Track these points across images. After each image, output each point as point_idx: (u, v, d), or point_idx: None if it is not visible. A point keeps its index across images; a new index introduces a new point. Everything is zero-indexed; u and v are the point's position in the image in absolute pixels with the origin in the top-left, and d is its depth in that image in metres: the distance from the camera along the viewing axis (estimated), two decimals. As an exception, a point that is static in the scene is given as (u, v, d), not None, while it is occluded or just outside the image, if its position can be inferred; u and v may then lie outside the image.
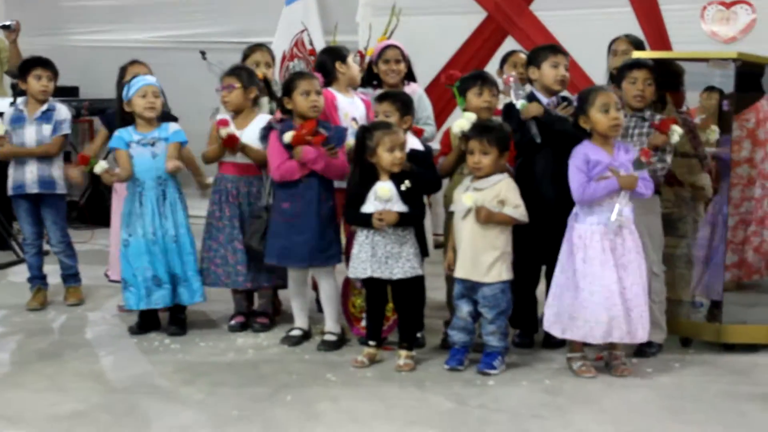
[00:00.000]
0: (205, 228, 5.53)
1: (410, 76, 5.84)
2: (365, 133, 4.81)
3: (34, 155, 6.00)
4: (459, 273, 4.75)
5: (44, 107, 6.04)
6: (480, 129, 4.77)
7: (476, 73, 5.28)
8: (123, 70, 5.92)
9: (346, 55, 5.60)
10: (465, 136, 4.85)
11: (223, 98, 5.50)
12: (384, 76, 5.74)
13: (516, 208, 4.67)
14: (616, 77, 5.14)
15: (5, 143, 5.96)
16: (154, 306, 5.38)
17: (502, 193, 4.69)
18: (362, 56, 7.88)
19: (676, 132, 4.77)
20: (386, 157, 4.72)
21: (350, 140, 5.14)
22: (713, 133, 5.23)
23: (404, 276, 4.77)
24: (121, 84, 5.60)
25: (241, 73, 5.48)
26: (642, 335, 4.63)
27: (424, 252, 4.98)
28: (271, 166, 5.17)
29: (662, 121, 4.80)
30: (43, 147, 6.01)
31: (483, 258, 4.68)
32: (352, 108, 5.50)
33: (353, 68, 5.63)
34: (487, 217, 4.65)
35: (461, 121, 4.95)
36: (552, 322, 4.75)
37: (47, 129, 6.04)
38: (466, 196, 4.70)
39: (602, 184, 4.59)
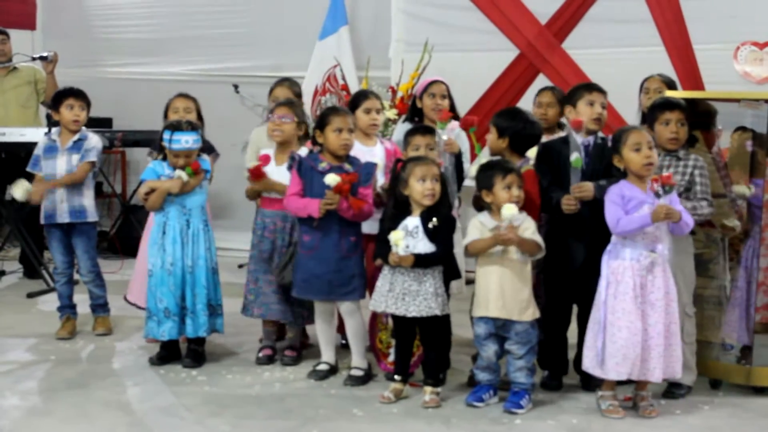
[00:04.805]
0: (249, 260, 5.58)
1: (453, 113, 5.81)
2: (398, 165, 4.83)
3: (61, 185, 6.01)
4: (493, 312, 4.69)
5: (76, 137, 6.07)
6: None
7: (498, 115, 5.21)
8: (169, 106, 5.97)
9: (358, 104, 5.52)
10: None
11: (275, 127, 5.44)
12: (428, 111, 5.62)
13: (534, 234, 4.64)
14: (648, 117, 5.05)
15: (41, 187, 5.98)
16: (159, 338, 5.40)
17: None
18: (394, 92, 7.93)
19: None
20: (417, 187, 4.71)
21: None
22: (749, 190, 5.18)
23: (419, 315, 4.72)
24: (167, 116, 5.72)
25: (296, 107, 5.53)
26: (657, 375, 4.56)
27: (455, 274, 4.95)
28: (286, 194, 5.17)
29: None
30: (67, 176, 6.02)
31: (519, 296, 4.66)
32: (369, 157, 5.32)
33: (359, 120, 5.44)
34: (517, 238, 4.59)
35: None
36: (593, 364, 4.66)
37: (76, 158, 6.04)
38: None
39: (636, 216, 4.53)
